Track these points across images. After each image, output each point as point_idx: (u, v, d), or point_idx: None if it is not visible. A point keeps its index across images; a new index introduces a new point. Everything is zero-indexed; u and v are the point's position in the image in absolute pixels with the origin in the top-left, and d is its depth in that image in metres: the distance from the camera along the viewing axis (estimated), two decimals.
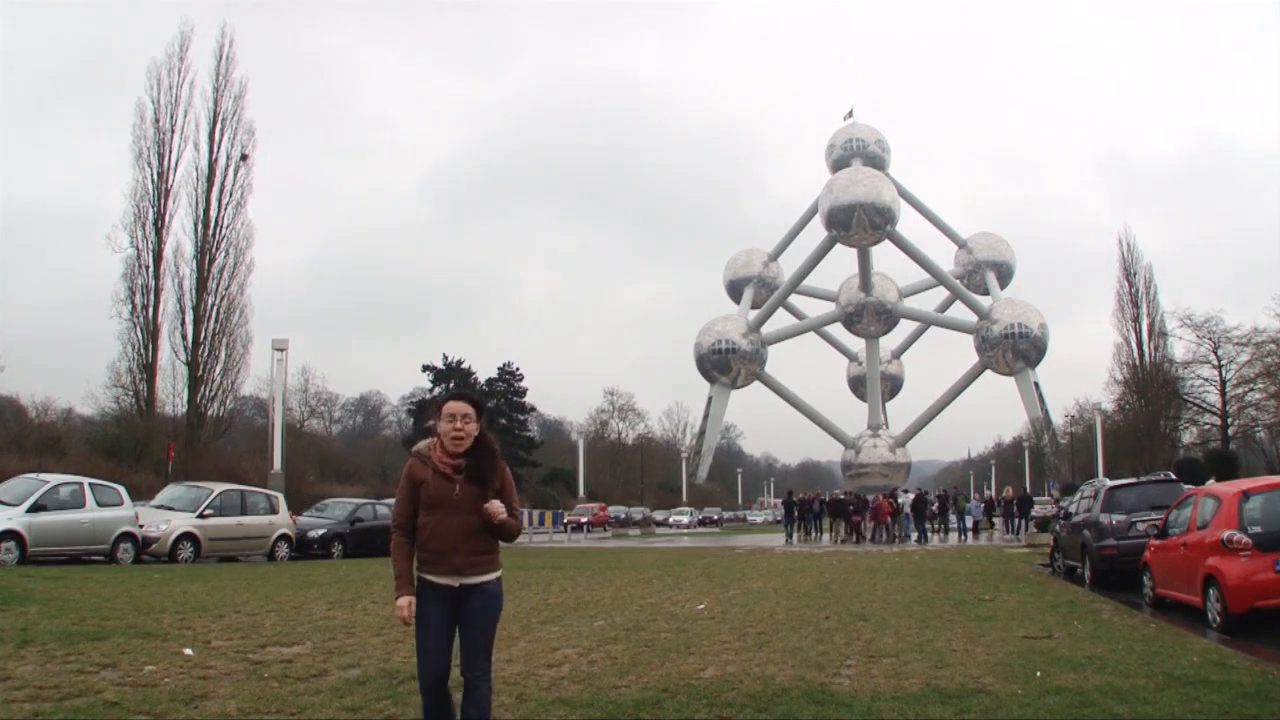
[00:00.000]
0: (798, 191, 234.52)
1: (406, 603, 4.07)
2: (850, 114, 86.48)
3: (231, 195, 39.20)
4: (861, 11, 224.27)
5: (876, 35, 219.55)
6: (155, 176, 38.14)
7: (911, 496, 36.61)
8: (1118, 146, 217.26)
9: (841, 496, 40.35)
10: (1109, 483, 18.05)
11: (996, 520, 38.92)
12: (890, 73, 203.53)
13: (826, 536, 35.87)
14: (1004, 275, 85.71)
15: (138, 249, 37.64)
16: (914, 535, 33.47)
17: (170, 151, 38.49)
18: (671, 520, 63.46)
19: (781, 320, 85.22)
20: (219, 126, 39.39)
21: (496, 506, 4.11)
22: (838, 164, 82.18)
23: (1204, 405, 51.32)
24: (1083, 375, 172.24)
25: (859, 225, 73.51)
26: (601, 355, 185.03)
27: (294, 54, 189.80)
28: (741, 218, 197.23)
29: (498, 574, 4.21)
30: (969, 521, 36.93)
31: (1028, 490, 47.21)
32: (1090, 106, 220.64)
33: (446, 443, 4.15)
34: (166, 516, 19.95)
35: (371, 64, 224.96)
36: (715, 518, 72.69)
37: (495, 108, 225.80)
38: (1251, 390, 48.65)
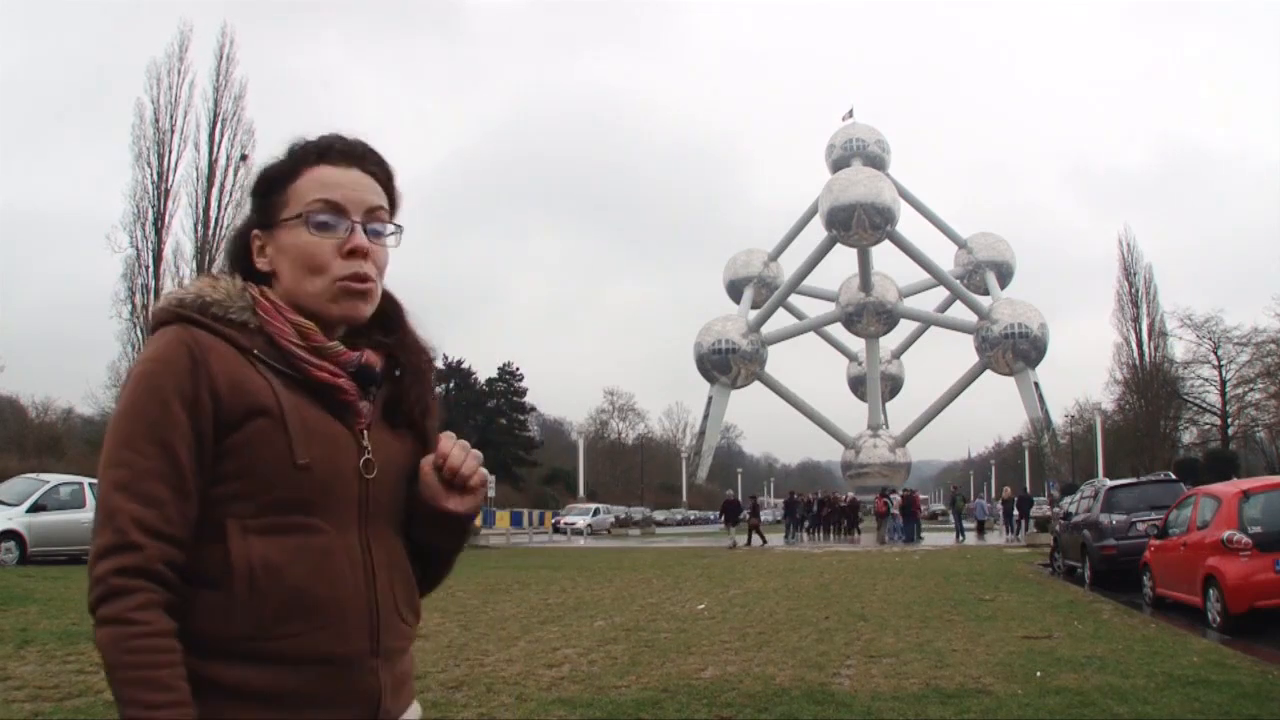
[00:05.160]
0: (780, 195, 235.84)
1: None
2: (850, 114, 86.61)
3: (231, 195, 39.05)
4: (839, 20, 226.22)
5: (857, 39, 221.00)
6: (155, 176, 38.07)
7: (898, 498, 36.39)
8: (1110, 150, 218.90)
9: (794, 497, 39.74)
10: (1109, 483, 18.06)
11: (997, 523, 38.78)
12: (874, 77, 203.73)
13: (754, 537, 33.29)
14: (1004, 275, 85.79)
15: (137, 249, 37.57)
16: (899, 536, 33.26)
17: (170, 152, 38.40)
18: (564, 523, 41.47)
19: (781, 320, 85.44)
20: (219, 127, 39.30)
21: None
22: (838, 164, 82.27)
23: (1204, 405, 51.32)
24: (1081, 376, 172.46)
25: (859, 225, 73.65)
26: (601, 356, 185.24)
27: (285, 68, 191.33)
28: (727, 220, 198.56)
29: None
30: (970, 521, 36.88)
31: (1027, 490, 47.19)
32: (1081, 113, 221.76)
33: (323, 288, 1.41)
34: None
35: (362, 78, 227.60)
36: (636, 516, 49.82)
37: (486, 117, 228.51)
38: (1251, 390, 48.67)
